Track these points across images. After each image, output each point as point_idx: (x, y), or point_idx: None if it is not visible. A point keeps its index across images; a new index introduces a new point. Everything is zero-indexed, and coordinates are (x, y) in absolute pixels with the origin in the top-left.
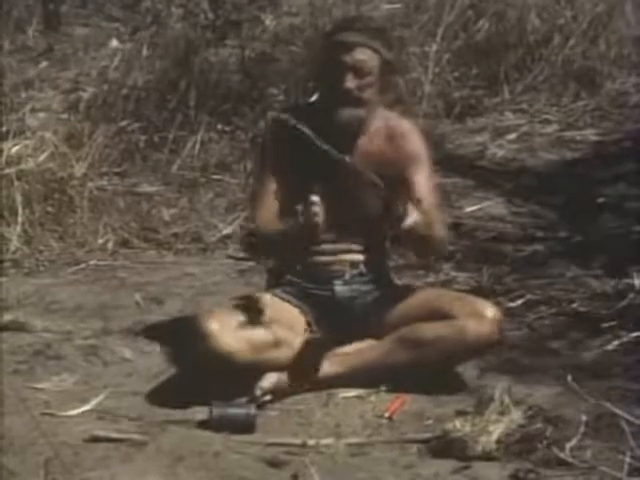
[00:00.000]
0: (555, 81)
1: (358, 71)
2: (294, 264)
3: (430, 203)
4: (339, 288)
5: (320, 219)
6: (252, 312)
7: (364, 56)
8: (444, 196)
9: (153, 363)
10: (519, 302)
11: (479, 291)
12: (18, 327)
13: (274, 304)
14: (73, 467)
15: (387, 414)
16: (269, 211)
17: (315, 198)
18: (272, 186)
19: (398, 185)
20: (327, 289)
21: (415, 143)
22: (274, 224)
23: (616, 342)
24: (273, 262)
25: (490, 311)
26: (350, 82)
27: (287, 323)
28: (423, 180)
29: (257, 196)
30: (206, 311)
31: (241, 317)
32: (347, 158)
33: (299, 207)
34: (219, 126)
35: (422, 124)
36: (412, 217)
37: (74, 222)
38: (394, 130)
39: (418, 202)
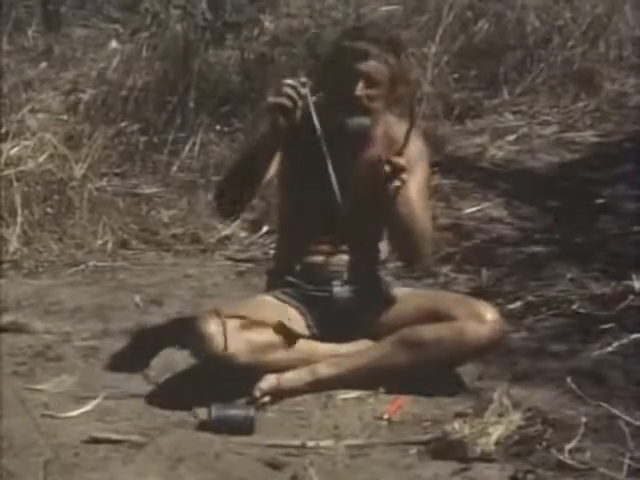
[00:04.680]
0: (554, 82)
1: (369, 80)
2: (292, 264)
3: (418, 205)
4: (338, 289)
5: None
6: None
7: (376, 66)
8: (443, 197)
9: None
10: (518, 304)
11: (478, 293)
12: (17, 328)
13: (275, 306)
14: (73, 468)
15: (386, 415)
16: None
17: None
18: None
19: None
20: (326, 290)
21: (413, 149)
22: None
23: (615, 344)
24: (272, 263)
25: (490, 313)
26: (360, 90)
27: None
28: (414, 183)
29: None
30: (205, 312)
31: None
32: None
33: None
34: (218, 127)
35: (423, 127)
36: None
37: (73, 223)
38: (395, 136)
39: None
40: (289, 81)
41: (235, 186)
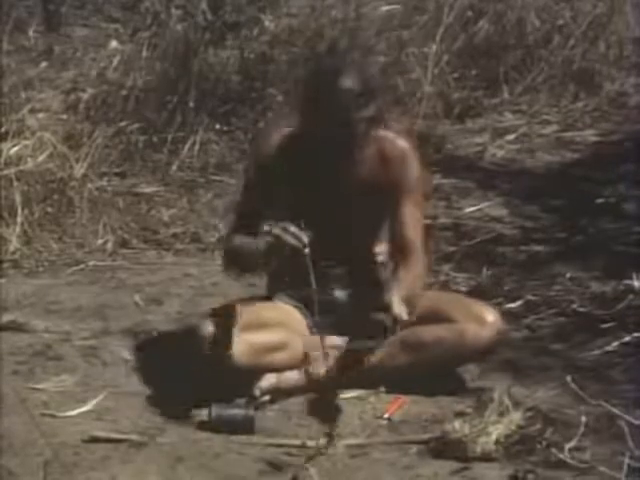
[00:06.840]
0: (554, 82)
1: (356, 101)
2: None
3: (412, 236)
4: (338, 292)
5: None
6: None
7: (362, 99)
8: (443, 196)
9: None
10: (518, 303)
11: (478, 292)
12: (18, 328)
13: (276, 307)
14: (73, 468)
15: (386, 415)
16: (248, 221)
17: (292, 228)
18: (260, 195)
19: (385, 212)
20: (327, 292)
21: (407, 169)
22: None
23: (616, 343)
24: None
25: (490, 315)
26: (349, 111)
27: (289, 325)
28: (408, 212)
29: (240, 205)
30: (206, 313)
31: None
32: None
33: (267, 226)
34: (218, 127)
35: (421, 126)
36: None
37: (73, 223)
38: (388, 153)
39: (400, 239)
40: (292, 229)
41: (237, 266)
